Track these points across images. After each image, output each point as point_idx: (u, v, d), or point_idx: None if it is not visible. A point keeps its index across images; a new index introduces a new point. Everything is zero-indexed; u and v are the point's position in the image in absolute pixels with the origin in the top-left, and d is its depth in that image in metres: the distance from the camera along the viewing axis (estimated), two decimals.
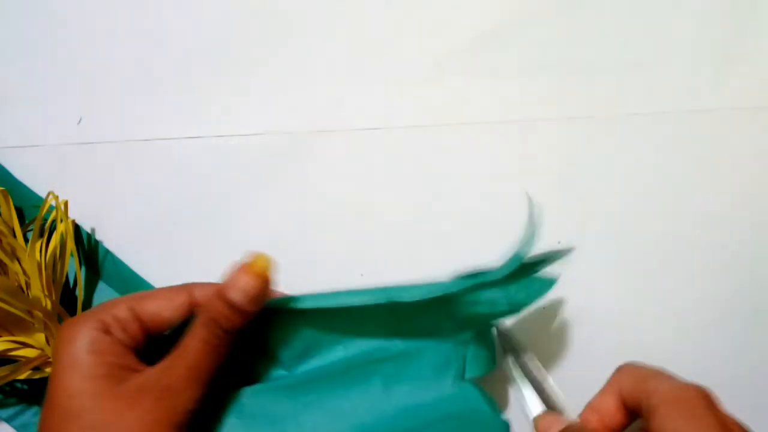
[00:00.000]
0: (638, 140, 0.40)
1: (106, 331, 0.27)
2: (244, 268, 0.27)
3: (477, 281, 0.30)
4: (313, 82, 0.41)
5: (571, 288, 0.38)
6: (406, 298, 0.29)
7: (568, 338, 0.37)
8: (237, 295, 0.27)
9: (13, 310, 0.34)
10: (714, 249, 0.38)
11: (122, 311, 0.28)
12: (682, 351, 0.37)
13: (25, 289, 0.36)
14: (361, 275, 0.39)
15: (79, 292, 0.38)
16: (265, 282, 0.27)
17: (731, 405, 0.36)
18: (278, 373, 0.31)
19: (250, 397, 0.29)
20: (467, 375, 0.32)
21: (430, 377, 0.31)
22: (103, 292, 0.39)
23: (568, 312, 0.37)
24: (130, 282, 0.39)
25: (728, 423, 0.25)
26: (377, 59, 0.42)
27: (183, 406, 0.26)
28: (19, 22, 0.44)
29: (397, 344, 0.32)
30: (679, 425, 0.25)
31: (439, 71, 0.41)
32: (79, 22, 0.44)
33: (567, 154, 0.40)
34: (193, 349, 0.27)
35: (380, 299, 0.29)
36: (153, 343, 0.29)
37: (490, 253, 0.38)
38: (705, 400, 0.26)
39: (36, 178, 0.41)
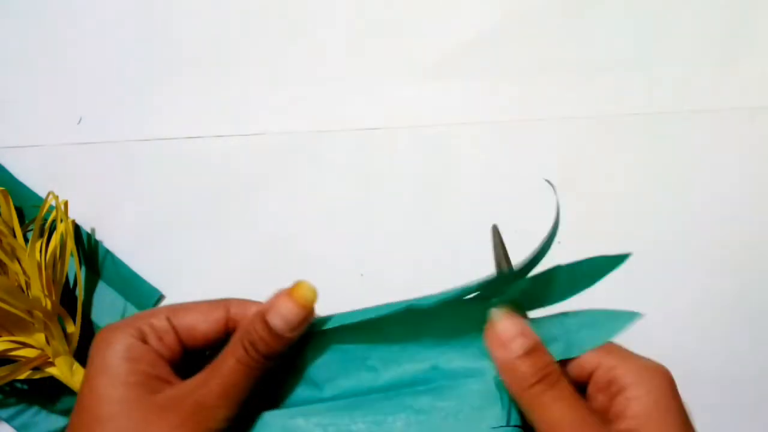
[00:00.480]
0: (638, 140, 0.40)
1: (143, 339, 0.27)
2: (288, 293, 0.27)
3: (497, 280, 0.28)
4: (313, 82, 0.41)
5: None
6: (429, 302, 0.28)
7: None
8: (277, 321, 0.26)
9: (13, 310, 0.34)
10: (714, 249, 0.38)
11: (160, 320, 0.28)
12: (682, 351, 0.37)
13: (25, 289, 0.36)
14: (361, 275, 0.39)
15: (79, 292, 0.38)
16: (306, 310, 0.27)
17: (732, 405, 0.36)
18: (307, 393, 0.29)
19: (277, 419, 0.28)
20: (513, 421, 0.28)
21: (469, 419, 0.28)
22: (103, 292, 0.39)
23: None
24: (130, 282, 0.39)
25: (685, 410, 0.25)
26: (377, 59, 0.42)
27: (213, 423, 0.26)
28: (19, 22, 0.44)
29: (435, 374, 0.29)
30: (648, 410, 0.24)
31: (439, 71, 0.41)
32: (79, 23, 0.44)
33: (567, 154, 0.40)
34: (228, 368, 0.26)
35: (402, 307, 0.28)
36: (189, 358, 0.28)
37: (490, 252, 0.38)
38: (672, 384, 0.26)
39: (36, 178, 0.41)
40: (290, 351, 0.28)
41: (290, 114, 0.41)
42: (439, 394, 0.28)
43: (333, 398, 0.29)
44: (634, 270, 0.38)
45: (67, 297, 0.38)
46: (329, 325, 0.29)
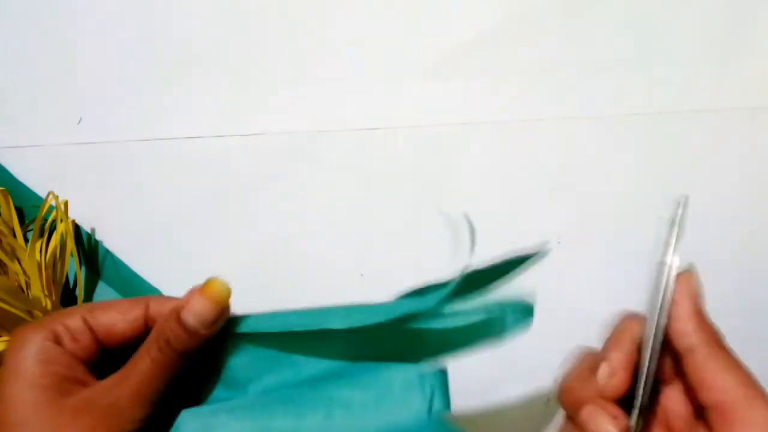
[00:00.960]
0: (638, 140, 0.40)
1: (57, 341, 0.26)
2: (200, 290, 0.27)
3: (420, 305, 0.29)
4: (313, 82, 0.41)
5: (570, 288, 0.38)
6: (357, 322, 0.28)
7: (567, 338, 0.37)
8: (191, 318, 0.26)
9: (13, 310, 0.34)
10: (714, 249, 0.38)
11: (75, 321, 0.27)
12: None
13: (25, 289, 0.36)
14: (361, 275, 0.39)
15: (79, 292, 0.38)
16: (220, 307, 0.27)
17: None
18: (231, 393, 0.29)
19: (198, 417, 0.28)
20: (435, 408, 0.28)
21: (390, 408, 0.28)
22: (103, 292, 0.39)
23: (567, 312, 0.37)
24: (130, 282, 0.39)
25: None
26: (377, 59, 0.42)
27: (127, 425, 0.25)
28: (19, 22, 0.44)
29: (357, 367, 0.29)
30: (720, 366, 0.26)
31: (439, 71, 0.41)
32: (79, 23, 0.44)
33: (567, 154, 0.40)
34: (142, 367, 0.26)
35: (335, 324, 0.28)
36: (108, 356, 0.28)
37: (490, 252, 0.38)
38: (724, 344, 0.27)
39: (36, 178, 0.41)
40: (211, 350, 0.28)
41: (290, 114, 0.41)
42: (359, 386, 0.28)
43: (255, 395, 0.29)
44: (634, 270, 0.38)
45: (67, 297, 0.38)
46: (250, 327, 0.28)
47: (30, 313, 0.35)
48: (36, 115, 0.42)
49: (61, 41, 0.43)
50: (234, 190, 0.40)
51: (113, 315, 0.28)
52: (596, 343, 0.37)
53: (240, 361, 0.29)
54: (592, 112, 0.40)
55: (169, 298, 0.29)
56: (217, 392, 0.29)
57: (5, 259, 0.35)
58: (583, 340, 0.37)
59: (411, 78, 0.41)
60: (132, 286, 0.39)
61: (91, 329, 0.27)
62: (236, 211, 0.40)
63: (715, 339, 0.27)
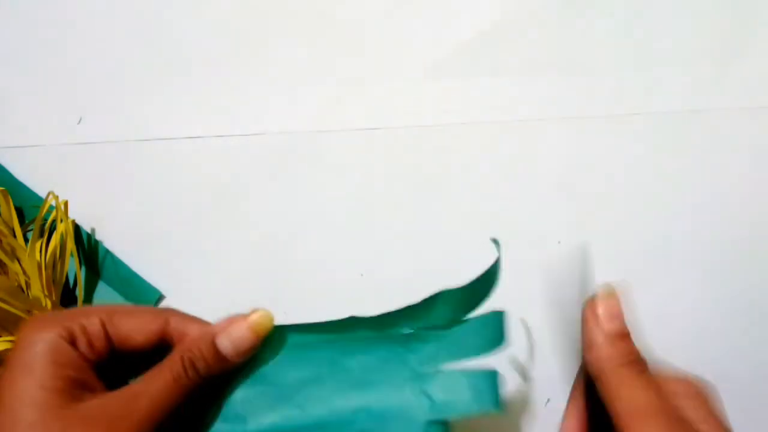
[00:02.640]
0: (638, 140, 0.40)
1: (72, 341, 0.25)
2: (246, 319, 0.27)
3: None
4: (313, 82, 0.41)
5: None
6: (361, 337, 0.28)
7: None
8: (227, 344, 0.26)
9: (13, 310, 0.34)
10: (714, 249, 0.38)
11: (93, 324, 0.26)
12: (682, 351, 0.37)
13: (25, 289, 0.36)
14: (361, 275, 0.39)
15: (79, 292, 0.38)
16: (259, 340, 0.27)
17: (732, 404, 0.36)
18: (231, 426, 0.28)
19: None
20: None
21: None
22: (103, 292, 0.39)
23: None
24: (130, 282, 0.39)
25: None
26: (377, 59, 0.42)
27: None
28: (19, 22, 0.44)
29: (363, 417, 0.28)
30: (620, 388, 0.25)
31: (439, 71, 0.41)
32: (78, 23, 0.44)
33: (567, 154, 0.40)
34: (160, 384, 0.25)
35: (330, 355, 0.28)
36: (113, 363, 0.27)
37: (490, 252, 0.38)
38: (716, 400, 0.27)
39: (36, 178, 0.41)
40: (217, 380, 0.27)
41: (290, 114, 0.41)
42: None
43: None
44: (634, 270, 0.38)
45: (67, 297, 0.38)
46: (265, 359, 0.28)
47: (30, 313, 0.35)
48: (36, 115, 0.42)
49: (61, 41, 0.43)
50: (234, 190, 0.40)
51: (132, 326, 0.27)
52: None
53: (243, 395, 0.28)
54: (592, 112, 0.40)
55: (191, 318, 0.28)
56: (219, 426, 0.28)
57: (5, 259, 0.35)
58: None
59: (411, 78, 0.41)
60: (132, 286, 0.39)
61: (107, 335, 0.26)
62: (236, 211, 0.40)
63: (619, 362, 0.26)
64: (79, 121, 0.42)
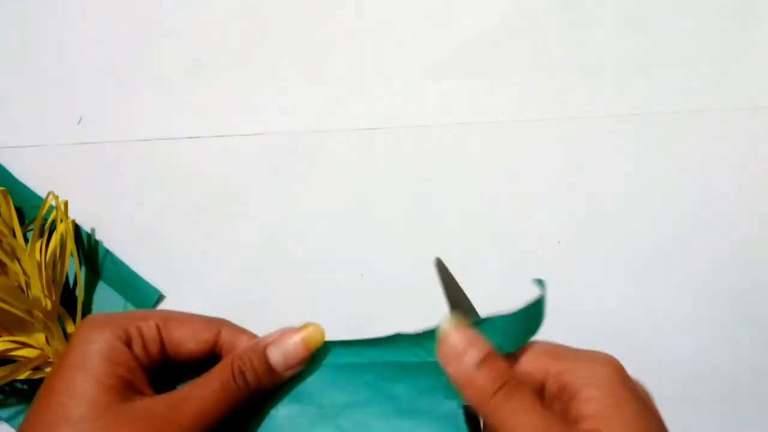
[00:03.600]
0: (638, 140, 0.40)
1: (128, 342, 0.26)
2: (299, 332, 0.26)
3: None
4: (313, 82, 0.41)
5: (570, 288, 0.38)
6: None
7: (567, 338, 0.37)
8: (278, 356, 0.26)
9: (13, 310, 0.34)
10: (714, 249, 0.38)
11: (150, 328, 0.26)
12: (682, 351, 0.37)
13: (25, 289, 0.36)
14: (361, 275, 0.39)
15: (79, 292, 0.38)
16: (310, 354, 0.27)
17: (732, 404, 0.36)
18: None
19: None
20: None
21: None
22: (103, 292, 0.39)
23: (567, 312, 0.37)
24: (130, 282, 0.39)
25: (640, 393, 0.25)
26: (377, 59, 0.42)
27: None
28: (19, 22, 0.44)
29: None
30: (603, 408, 0.24)
31: (439, 71, 0.41)
32: (79, 23, 0.44)
33: (567, 154, 0.40)
34: (208, 392, 0.25)
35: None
36: (163, 368, 0.27)
37: (490, 252, 0.38)
38: (621, 374, 0.25)
39: (36, 178, 0.41)
40: (262, 395, 0.27)
41: (290, 114, 0.41)
42: None
43: None
44: (634, 270, 0.38)
45: (67, 297, 0.38)
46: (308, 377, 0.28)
47: (30, 313, 0.35)
48: (36, 115, 0.42)
49: (61, 41, 0.43)
50: (234, 190, 0.40)
51: (186, 332, 0.27)
52: (595, 343, 0.37)
53: (285, 412, 0.28)
54: (592, 112, 0.40)
55: (242, 329, 0.28)
56: None
57: (5, 259, 0.35)
58: (583, 340, 0.37)
59: (411, 78, 0.41)
60: (132, 286, 0.39)
61: (162, 340, 0.27)
62: (236, 211, 0.40)
63: (493, 391, 0.25)
64: (79, 121, 0.42)
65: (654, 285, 0.38)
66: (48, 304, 0.36)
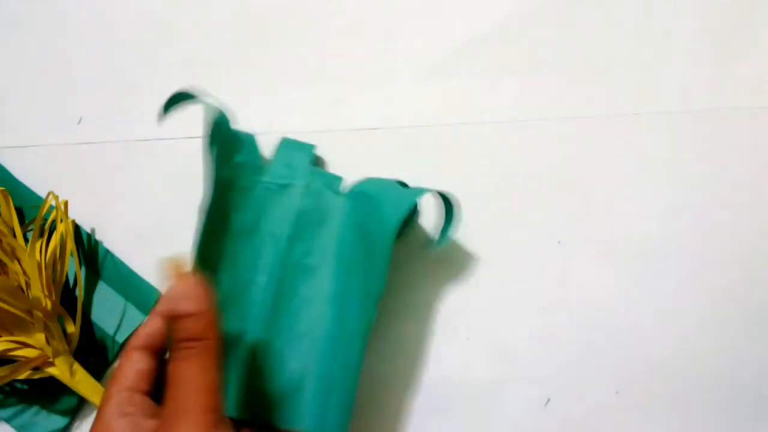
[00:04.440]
0: (638, 140, 0.40)
1: (136, 388, 0.29)
2: (172, 279, 0.27)
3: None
4: (313, 82, 0.41)
5: (570, 288, 0.38)
6: None
7: (567, 338, 0.37)
8: (188, 303, 0.27)
9: (13, 310, 0.34)
10: (714, 249, 0.38)
11: (144, 363, 0.30)
12: (681, 351, 0.37)
13: (25, 289, 0.36)
14: None
15: (79, 292, 0.38)
16: (188, 277, 0.27)
17: (731, 404, 0.36)
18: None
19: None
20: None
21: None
22: (103, 292, 0.39)
23: (567, 312, 0.37)
24: (130, 282, 0.39)
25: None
26: (377, 59, 0.42)
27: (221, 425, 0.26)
28: (19, 22, 0.44)
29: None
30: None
31: (439, 71, 0.41)
32: (79, 23, 0.44)
33: (567, 154, 0.40)
34: (193, 386, 0.26)
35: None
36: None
37: (491, 252, 0.38)
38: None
39: (36, 178, 0.41)
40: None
41: (290, 114, 0.41)
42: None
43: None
44: (634, 269, 0.38)
45: (67, 297, 0.38)
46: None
47: (30, 313, 0.35)
48: (36, 115, 0.42)
49: (61, 41, 0.43)
50: None
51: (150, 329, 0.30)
52: (595, 343, 0.37)
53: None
54: (592, 112, 0.40)
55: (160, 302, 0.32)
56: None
57: (5, 259, 0.35)
58: (583, 339, 0.37)
59: (411, 78, 0.41)
60: (132, 286, 0.39)
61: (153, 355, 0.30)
62: None
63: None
64: (79, 121, 0.42)
65: (654, 285, 0.38)
66: (48, 304, 0.36)
